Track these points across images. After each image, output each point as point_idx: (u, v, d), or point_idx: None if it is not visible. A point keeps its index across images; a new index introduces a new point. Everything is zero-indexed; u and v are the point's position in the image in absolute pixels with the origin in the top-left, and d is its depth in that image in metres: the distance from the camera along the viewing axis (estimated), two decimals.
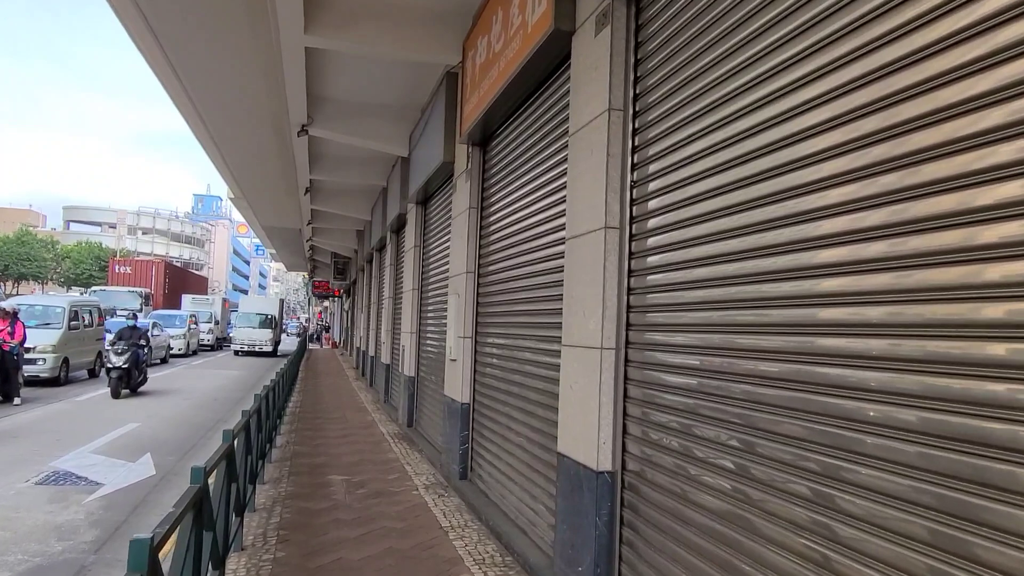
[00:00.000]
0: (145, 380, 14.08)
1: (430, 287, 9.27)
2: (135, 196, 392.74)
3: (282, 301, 35.71)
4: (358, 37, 6.43)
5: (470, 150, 6.58)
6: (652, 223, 3.32)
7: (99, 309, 17.57)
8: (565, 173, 4.27)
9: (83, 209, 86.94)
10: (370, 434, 9.65)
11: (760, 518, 2.47)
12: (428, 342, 9.14)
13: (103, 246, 66.55)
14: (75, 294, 43.69)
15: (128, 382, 13.09)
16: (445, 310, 7.59)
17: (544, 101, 4.94)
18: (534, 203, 5.02)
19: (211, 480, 3.51)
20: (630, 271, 3.47)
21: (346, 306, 32.49)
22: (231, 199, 19.42)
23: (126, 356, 12.88)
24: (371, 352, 16.53)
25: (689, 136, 3.04)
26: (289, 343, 38.64)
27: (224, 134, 11.09)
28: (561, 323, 4.07)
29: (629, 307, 3.46)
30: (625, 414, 3.45)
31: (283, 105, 8.79)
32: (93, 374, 16.36)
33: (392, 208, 11.59)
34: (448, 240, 7.71)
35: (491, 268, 6.08)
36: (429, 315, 9.19)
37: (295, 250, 29.02)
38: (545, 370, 4.62)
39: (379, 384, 13.98)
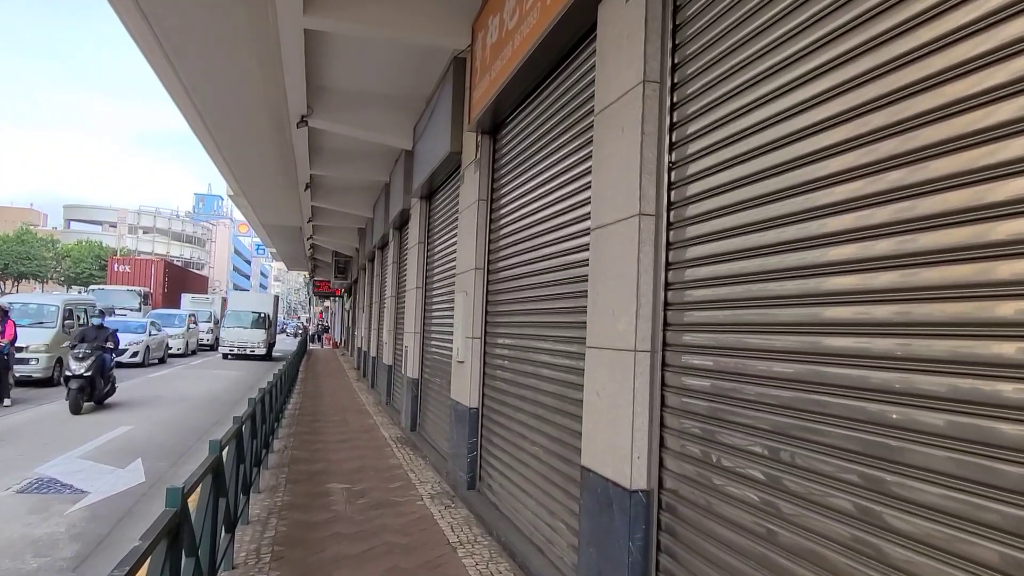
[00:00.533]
0: (113, 390, 11.81)
1: (435, 285, 8.88)
2: (136, 195, 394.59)
3: (276, 298, 34.30)
4: (360, 18, 6.04)
5: (479, 139, 6.19)
6: (694, 209, 2.92)
7: (95, 308, 17.20)
8: (588, 157, 3.88)
9: (84, 208, 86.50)
10: (371, 438, 9.26)
11: (825, 547, 2.08)
12: (433, 343, 8.75)
13: (103, 245, 66.17)
14: (74, 293, 43.40)
15: (91, 393, 10.86)
16: (451, 309, 7.19)
17: (563, 80, 4.54)
18: (551, 192, 4.62)
19: (196, 494, 3.14)
20: (668, 264, 3.07)
21: (347, 306, 32.06)
22: (230, 196, 19.04)
23: (89, 362, 10.65)
24: (373, 353, 16.13)
25: (739, 109, 2.64)
26: (288, 344, 38.13)
27: (221, 126, 10.69)
28: (584, 322, 3.68)
29: (667, 304, 3.07)
30: (663, 425, 3.05)
31: (282, 94, 8.40)
32: None
33: (395, 204, 11.20)
34: (455, 235, 7.32)
35: (502, 264, 5.68)
36: (434, 314, 8.80)
37: (296, 249, 28.62)
38: (564, 374, 4.22)
39: (381, 386, 13.58)
